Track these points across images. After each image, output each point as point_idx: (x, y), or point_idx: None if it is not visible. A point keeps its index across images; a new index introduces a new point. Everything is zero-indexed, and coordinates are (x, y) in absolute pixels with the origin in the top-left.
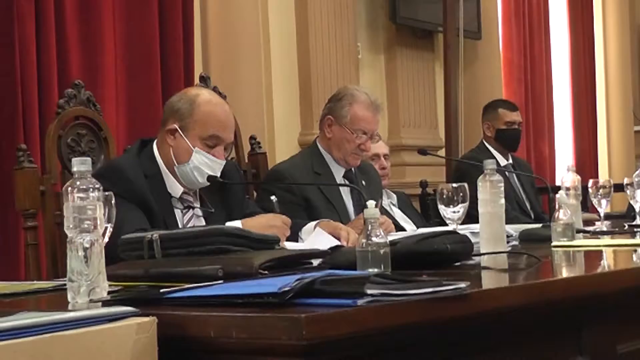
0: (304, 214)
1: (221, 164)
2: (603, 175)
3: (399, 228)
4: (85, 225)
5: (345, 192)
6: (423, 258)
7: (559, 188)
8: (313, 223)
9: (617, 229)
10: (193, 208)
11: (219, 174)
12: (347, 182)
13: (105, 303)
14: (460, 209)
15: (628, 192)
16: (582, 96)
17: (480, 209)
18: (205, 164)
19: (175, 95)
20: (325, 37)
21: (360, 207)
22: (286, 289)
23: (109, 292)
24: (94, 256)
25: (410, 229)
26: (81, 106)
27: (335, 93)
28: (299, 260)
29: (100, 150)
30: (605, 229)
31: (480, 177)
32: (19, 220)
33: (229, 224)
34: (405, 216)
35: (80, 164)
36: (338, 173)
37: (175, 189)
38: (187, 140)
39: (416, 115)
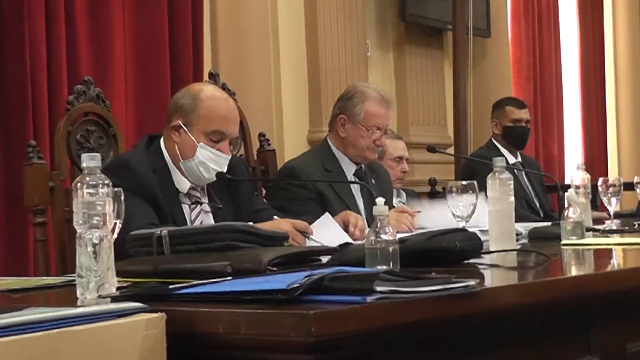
0: (319, 208)
1: (226, 158)
2: (613, 174)
3: None
4: (95, 221)
5: (356, 190)
6: (432, 255)
7: (568, 186)
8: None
9: (627, 228)
10: (201, 204)
11: (224, 169)
12: (357, 180)
13: (114, 299)
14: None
15: (638, 190)
16: (592, 94)
17: (489, 207)
18: (211, 159)
19: (180, 91)
20: (334, 35)
21: (370, 205)
22: (295, 285)
23: (117, 288)
24: (103, 252)
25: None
26: (90, 102)
27: (344, 92)
28: (308, 257)
29: (109, 147)
30: (615, 227)
31: (490, 174)
32: (28, 216)
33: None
34: None
35: (89, 160)
36: (349, 171)
37: (182, 184)
38: (191, 135)
39: (425, 113)
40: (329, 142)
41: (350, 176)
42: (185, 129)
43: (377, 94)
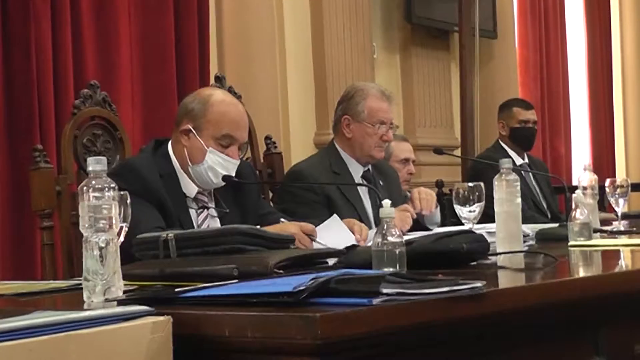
0: (326, 211)
1: (235, 163)
2: (620, 175)
3: (421, 227)
4: (101, 225)
5: (363, 192)
6: (439, 257)
7: (575, 187)
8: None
9: (634, 229)
10: (208, 208)
11: (233, 174)
12: (364, 182)
13: (121, 302)
14: (476, 208)
15: None
16: (599, 94)
17: (496, 208)
18: (220, 164)
19: (189, 95)
20: (340, 37)
21: (377, 207)
22: (301, 288)
23: (124, 292)
24: (110, 255)
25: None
26: (97, 106)
27: (344, 93)
28: (314, 260)
29: (116, 151)
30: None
31: (497, 176)
32: (35, 221)
33: None
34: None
35: (95, 164)
36: (356, 173)
37: (190, 188)
38: (200, 140)
39: (432, 115)
40: (336, 145)
41: (357, 178)
42: (195, 134)
43: (376, 90)
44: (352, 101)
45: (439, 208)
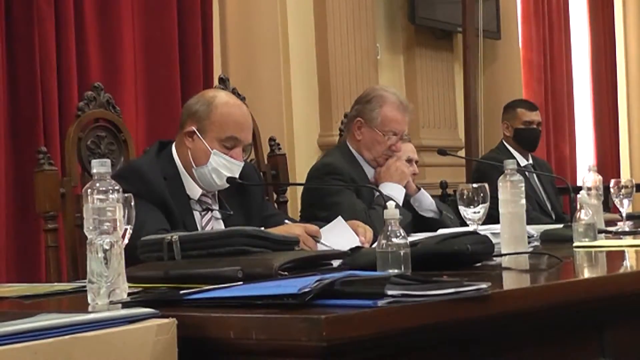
0: (354, 194)
1: (239, 165)
2: (625, 175)
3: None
4: (105, 227)
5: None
6: (443, 259)
7: (579, 188)
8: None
9: (639, 229)
10: (212, 210)
11: (237, 176)
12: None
13: (125, 304)
14: (481, 209)
15: None
16: (603, 95)
17: (500, 210)
18: (224, 166)
19: (193, 97)
20: (344, 38)
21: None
22: (306, 290)
23: (128, 294)
24: (114, 258)
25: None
26: (101, 108)
27: (362, 94)
28: (319, 261)
29: (120, 153)
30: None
31: (501, 177)
32: (39, 223)
33: None
34: None
35: (99, 166)
36: (370, 174)
37: (194, 191)
38: (205, 142)
39: (436, 116)
40: (349, 145)
41: (372, 179)
42: (199, 135)
43: (395, 99)
44: (369, 105)
45: (422, 190)
